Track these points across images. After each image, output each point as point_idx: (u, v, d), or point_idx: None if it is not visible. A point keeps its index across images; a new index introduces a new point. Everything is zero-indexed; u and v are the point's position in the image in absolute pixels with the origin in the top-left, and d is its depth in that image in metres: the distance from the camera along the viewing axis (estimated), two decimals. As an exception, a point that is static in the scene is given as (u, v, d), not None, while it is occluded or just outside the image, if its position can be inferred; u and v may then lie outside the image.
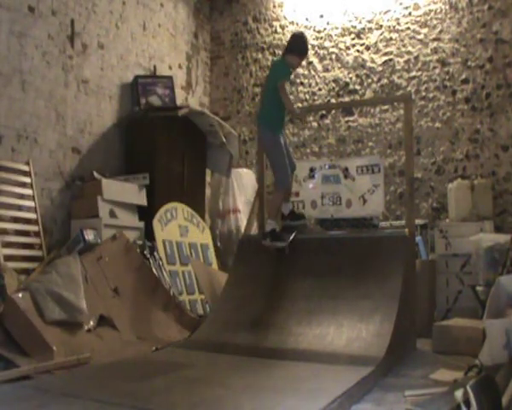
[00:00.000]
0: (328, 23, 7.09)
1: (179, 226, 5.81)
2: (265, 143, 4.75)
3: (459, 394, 2.24)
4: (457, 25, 6.38)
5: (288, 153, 4.74)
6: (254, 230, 5.50)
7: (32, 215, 4.83)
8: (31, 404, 2.72)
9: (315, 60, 7.15)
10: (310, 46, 7.10)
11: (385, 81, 6.74)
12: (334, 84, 7.02)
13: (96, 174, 5.44)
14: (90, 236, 4.76)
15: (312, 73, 7.16)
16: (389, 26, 6.75)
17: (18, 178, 4.79)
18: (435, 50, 6.49)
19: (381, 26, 6.79)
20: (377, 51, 6.80)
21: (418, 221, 5.69)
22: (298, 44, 4.63)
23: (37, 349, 3.61)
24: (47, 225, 5.06)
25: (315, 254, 4.44)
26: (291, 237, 4.49)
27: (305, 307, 4.09)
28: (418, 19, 6.60)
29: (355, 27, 6.94)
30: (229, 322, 4.17)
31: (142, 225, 5.56)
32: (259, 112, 4.98)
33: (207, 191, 7.00)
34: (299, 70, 7.20)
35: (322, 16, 7.13)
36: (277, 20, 7.47)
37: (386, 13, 6.77)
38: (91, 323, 4.11)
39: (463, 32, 6.35)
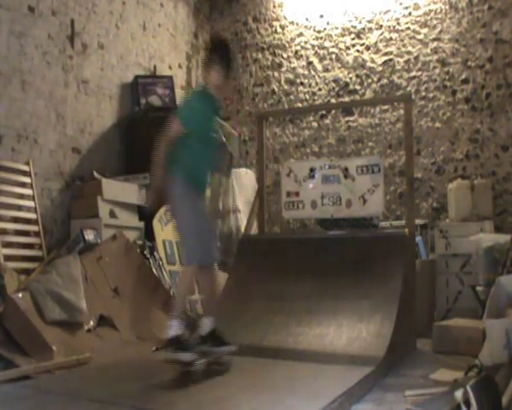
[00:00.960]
0: (328, 23, 7.09)
1: (179, 226, 5.80)
2: (175, 196, 3.36)
3: (459, 394, 2.25)
4: (457, 25, 6.38)
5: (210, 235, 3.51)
6: (254, 230, 5.49)
7: (32, 215, 4.83)
8: (31, 404, 2.73)
9: (315, 60, 7.15)
10: (310, 46, 7.15)
11: (385, 81, 6.73)
12: (334, 84, 7.02)
13: (96, 174, 5.44)
14: (90, 236, 4.76)
15: (312, 73, 7.15)
16: (389, 26, 6.75)
17: (18, 178, 4.78)
18: (435, 50, 6.48)
19: (381, 26, 6.79)
20: (377, 51, 6.80)
21: (418, 221, 5.69)
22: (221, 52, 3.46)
23: (37, 349, 3.62)
24: (47, 225, 5.06)
25: (315, 254, 4.45)
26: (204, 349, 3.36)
27: (304, 307, 4.10)
28: (418, 19, 6.60)
29: (355, 27, 6.93)
30: (230, 322, 4.16)
31: (142, 225, 5.56)
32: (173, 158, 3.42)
33: (207, 191, 6.98)
34: (300, 70, 7.21)
35: (322, 16, 7.12)
36: (277, 20, 7.47)
37: (386, 13, 6.77)
38: (91, 323, 4.11)
39: (463, 32, 6.34)
